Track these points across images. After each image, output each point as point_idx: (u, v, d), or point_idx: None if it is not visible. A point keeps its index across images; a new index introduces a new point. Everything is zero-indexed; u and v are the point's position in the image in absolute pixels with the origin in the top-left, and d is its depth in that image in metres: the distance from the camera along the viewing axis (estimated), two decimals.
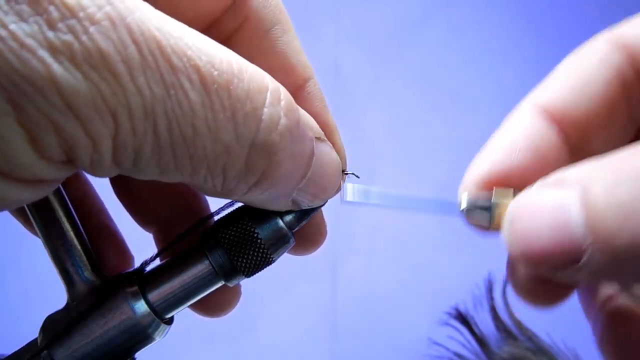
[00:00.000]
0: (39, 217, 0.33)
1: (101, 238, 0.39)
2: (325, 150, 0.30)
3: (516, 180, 0.29)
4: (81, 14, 0.21)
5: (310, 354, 0.92)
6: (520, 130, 0.30)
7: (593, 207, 0.23)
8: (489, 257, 0.95)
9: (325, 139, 0.30)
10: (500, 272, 0.91)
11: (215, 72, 0.23)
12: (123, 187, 0.38)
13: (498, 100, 1.02)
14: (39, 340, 0.31)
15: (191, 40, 0.23)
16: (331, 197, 0.32)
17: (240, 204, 0.32)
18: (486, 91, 1.04)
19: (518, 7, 1.09)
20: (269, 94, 0.25)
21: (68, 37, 0.21)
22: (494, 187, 0.29)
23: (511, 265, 0.31)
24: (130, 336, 0.31)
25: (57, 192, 0.34)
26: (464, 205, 0.30)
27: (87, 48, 0.21)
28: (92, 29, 0.21)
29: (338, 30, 1.07)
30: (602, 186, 0.23)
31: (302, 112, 0.28)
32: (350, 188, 0.33)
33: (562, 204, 0.24)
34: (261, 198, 0.28)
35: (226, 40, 0.33)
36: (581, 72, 0.30)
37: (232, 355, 0.91)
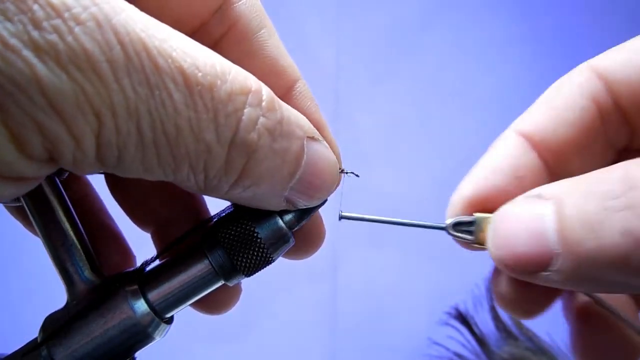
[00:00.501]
0: (39, 217, 0.33)
1: (103, 238, 0.39)
2: (319, 149, 0.30)
3: (499, 201, 0.31)
4: (66, 14, 0.21)
5: (310, 354, 0.92)
6: (503, 155, 0.33)
7: (565, 219, 0.26)
8: (489, 257, 0.95)
9: (321, 138, 0.31)
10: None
11: (199, 74, 0.24)
12: (120, 188, 0.38)
13: (497, 103, 1.01)
14: (38, 340, 0.31)
15: (176, 43, 0.24)
16: (327, 196, 0.32)
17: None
18: (485, 94, 1.04)
19: (517, 10, 1.09)
20: (250, 95, 0.26)
21: (53, 37, 0.21)
22: (475, 213, 0.32)
23: (494, 278, 0.33)
24: (130, 336, 0.31)
25: (57, 193, 0.34)
26: (448, 221, 0.33)
27: (72, 48, 0.21)
28: (77, 29, 0.21)
29: (339, 34, 1.07)
30: (573, 201, 0.26)
31: (291, 112, 0.29)
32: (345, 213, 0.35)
33: (539, 215, 0.27)
34: (249, 196, 0.28)
35: (214, 44, 0.34)
36: (560, 100, 0.32)
37: (232, 355, 0.91)
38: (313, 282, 0.94)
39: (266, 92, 0.27)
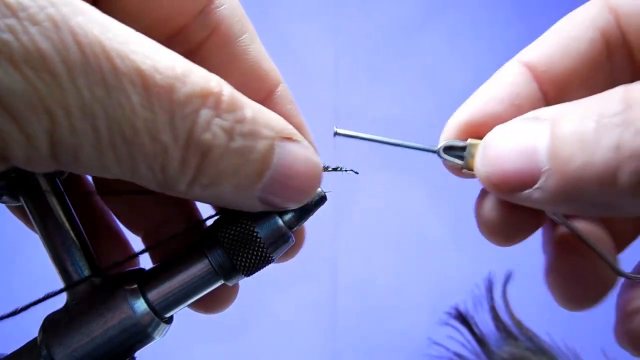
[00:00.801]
0: (38, 217, 0.33)
1: (103, 237, 0.39)
2: (295, 150, 0.30)
3: (494, 127, 0.31)
4: (22, 14, 0.21)
5: (310, 354, 0.92)
6: (503, 83, 0.33)
7: (558, 136, 0.26)
8: (489, 257, 0.95)
9: (300, 139, 0.31)
10: (500, 272, 0.91)
11: (158, 77, 0.24)
12: (108, 192, 0.38)
13: None
14: (38, 340, 0.31)
15: (137, 46, 0.24)
16: (308, 198, 0.32)
17: None
18: None
19: (516, 10, 1.09)
20: (210, 97, 0.26)
21: (7, 37, 0.21)
22: (469, 138, 0.33)
23: (479, 201, 0.33)
24: (129, 335, 0.31)
25: (57, 193, 0.34)
26: (441, 144, 0.34)
27: (26, 48, 0.21)
28: (32, 29, 0.21)
29: (337, 34, 1.07)
30: (569, 119, 0.26)
31: (261, 112, 0.29)
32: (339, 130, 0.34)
33: (534, 133, 0.27)
34: (214, 195, 0.28)
35: (196, 48, 0.34)
36: (569, 31, 0.32)
37: (232, 355, 0.91)
38: (313, 282, 0.94)
39: (228, 93, 0.27)
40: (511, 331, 0.85)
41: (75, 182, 0.38)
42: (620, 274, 0.34)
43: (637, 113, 0.24)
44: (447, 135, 0.33)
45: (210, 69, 0.33)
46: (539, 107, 0.31)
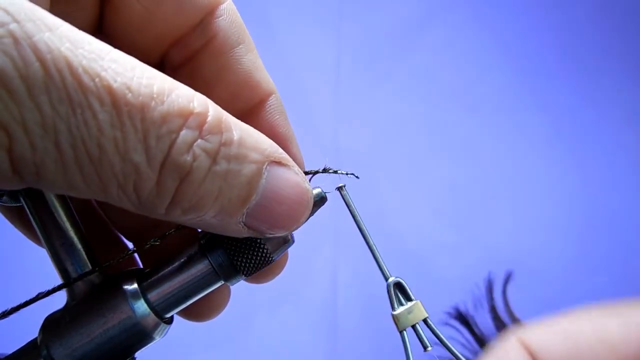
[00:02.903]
0: (38, 218, 0.33)
1: (103, 237, 0.39)
2: (285, 175, 0.29)
3: None
4: None
5: (310, 354, 0.92)
6: None
7: None
8: (489, 257, 0.95)
9: (291, 164, 0.30)
10: (500, 272, 0.91)
11: (129, 95, 0.24)
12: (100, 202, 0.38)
13: (499, 102, 1.01)
14: (38, 340, 0.31)
15: (109, 63, 0.24)
16: (296, 226, 0.31)
17: None
18: (487, 93, 1.04)
19: (517, 10, 1.09)
20: (191, 118, 0.25)
21: None
22: None
23: None
24: (130, 335, 0.31)
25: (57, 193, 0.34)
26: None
27: None
28: None
29: (340, 33, 1.07)
30: None
31: (250, 134, 0.28)
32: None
33: None
34: (196, 220, 0.28)
35: (192, 56, 0.34)
36: None
37: (232, 355, 0.91)
38: (313, 283, 0.94)
39: (213, 114, 0.26)
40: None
41: None
42: None
43: None
44: None
45: (203, 77, 0.34)
46: None
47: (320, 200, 0.34)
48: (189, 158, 0.25)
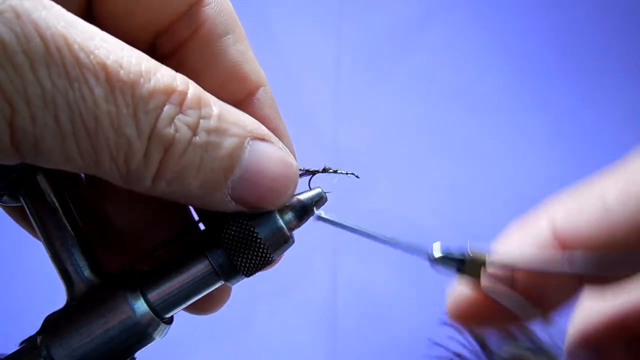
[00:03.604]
0: (38, 217, 0.33)
1: (103, 237, 0.39)
2: (268, 149, 0.30)
3: None
4: None
5: (309, 354, 0.92)
6: (529, 240, 0.31)
7: None
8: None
9: (274, 140, 0.31)
10: None
11: (121, 71, 0.25)
12: (100, 200, 0.38)
13: (499, 102, 1.02)
14: (38, 340, 0.31)
15: (101, 42, 0.25)
16: (284, 198, 0.32)
17: None
18: (487, 93, 1.04)
19: (518, 9, 1.09)
20: (174, 94, 0.27)
21: None
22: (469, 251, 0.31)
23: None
24: (130, 336, 0.31)
25: (57, 192, 0.34)
26: (438, 254, 0.32)
27: None
28: None
29: (340, 33, 1.07)
30: None
31: (230, 112, 0.29)
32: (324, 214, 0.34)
33: None
34: (180, 191, 0.29)
35: (179, 46, 0.34)
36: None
37: (232, 355, 0.91)
38: (313, 282, 0.94)
39: (193, 91, 0.28)
40: (511, 331, 0.85)
41: (75, 181, 0.38)
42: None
43: None
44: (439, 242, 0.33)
45: (190, 67, 0.34)
46: None
47: (320, 200, 0.34)
48: (171, 130, 0.27)
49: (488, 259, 0.31)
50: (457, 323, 0.34)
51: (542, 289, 0.32)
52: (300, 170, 0.34)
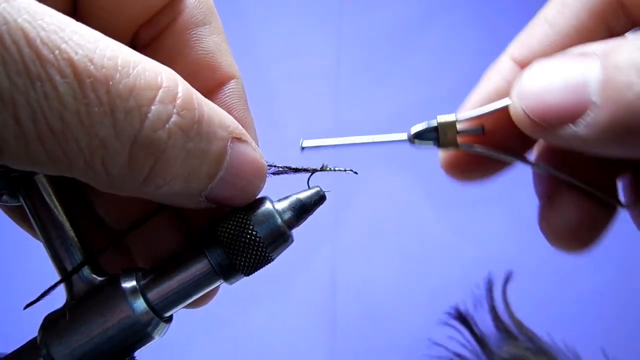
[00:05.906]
0: (38, 217, 0.33)
1: (103, 237, 0.39)
2: (246, 151, 0.30)
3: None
4: None
5: (309, 354, 0.92)
6: (495, 80, 0.35)
7: (612, 66, 0.25)
8: (489, 257, 0.95)
9: (248, 140, 0.30)
10: (500, 272, 0.91)
11: (92, 67, 0.23)
12: (92, 195, 0.38)
13: None
14: (38, 340, 0.31)
15: (71, 34, 0.23)
16: (252, 198, 0.32)
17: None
18: None
19: (518, 9, 1.09)
20: (160, 92, 0.25)
21: None
22: (438, 116, 0.33)
23: (545, 212, 0.34)
24: (129, 335, 0.31)
25: (57, 192, 0.34)
26: (415, 131, 0.34)
27: None
28: None
29: (340, 33, 1.07)
30: (623, 51, 0.25)
31: (215, 111, 0.28)
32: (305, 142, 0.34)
33: (582, 66, 0.26)
34: (163, 195, 0.28)
35: (158, 34, 0.34)
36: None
37: (232, 355, 0.91)
38: (313, 282, 0.94)
39: (183, 89, 0.26)
40: (511, 331, 0.85)
41: (75, 182, 0.38)
42: (620, 204, 0.34)
43: None
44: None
45: (164, 54, 0.33)
46: None
47: (319, 199, 0.34)
48: (163, 134, 0.25)
49: (456, 117, 0.33)
50: (453, 176, 0.35)
51: (510, 134, 0.33)
52: (279, 168, 0.34)
